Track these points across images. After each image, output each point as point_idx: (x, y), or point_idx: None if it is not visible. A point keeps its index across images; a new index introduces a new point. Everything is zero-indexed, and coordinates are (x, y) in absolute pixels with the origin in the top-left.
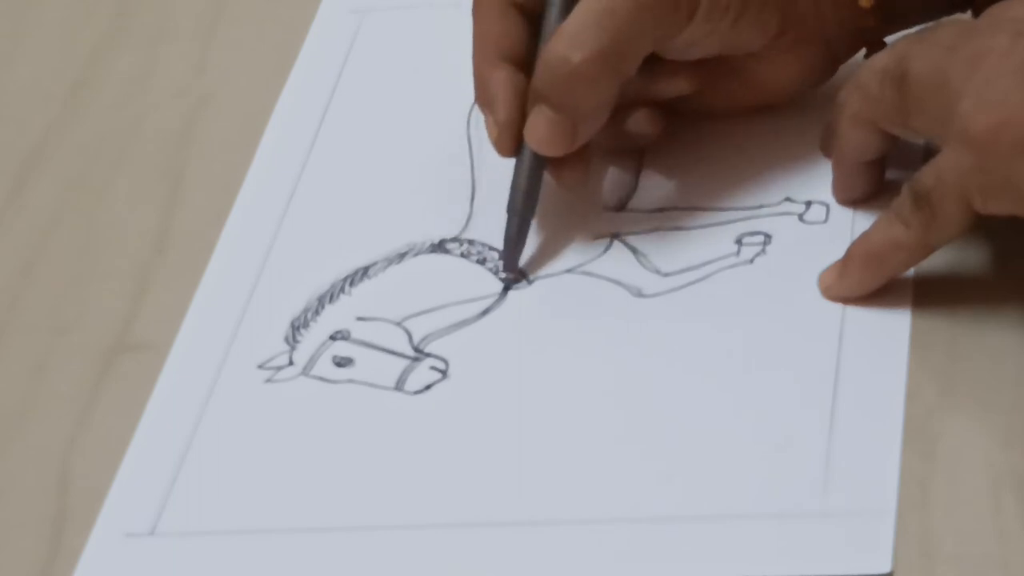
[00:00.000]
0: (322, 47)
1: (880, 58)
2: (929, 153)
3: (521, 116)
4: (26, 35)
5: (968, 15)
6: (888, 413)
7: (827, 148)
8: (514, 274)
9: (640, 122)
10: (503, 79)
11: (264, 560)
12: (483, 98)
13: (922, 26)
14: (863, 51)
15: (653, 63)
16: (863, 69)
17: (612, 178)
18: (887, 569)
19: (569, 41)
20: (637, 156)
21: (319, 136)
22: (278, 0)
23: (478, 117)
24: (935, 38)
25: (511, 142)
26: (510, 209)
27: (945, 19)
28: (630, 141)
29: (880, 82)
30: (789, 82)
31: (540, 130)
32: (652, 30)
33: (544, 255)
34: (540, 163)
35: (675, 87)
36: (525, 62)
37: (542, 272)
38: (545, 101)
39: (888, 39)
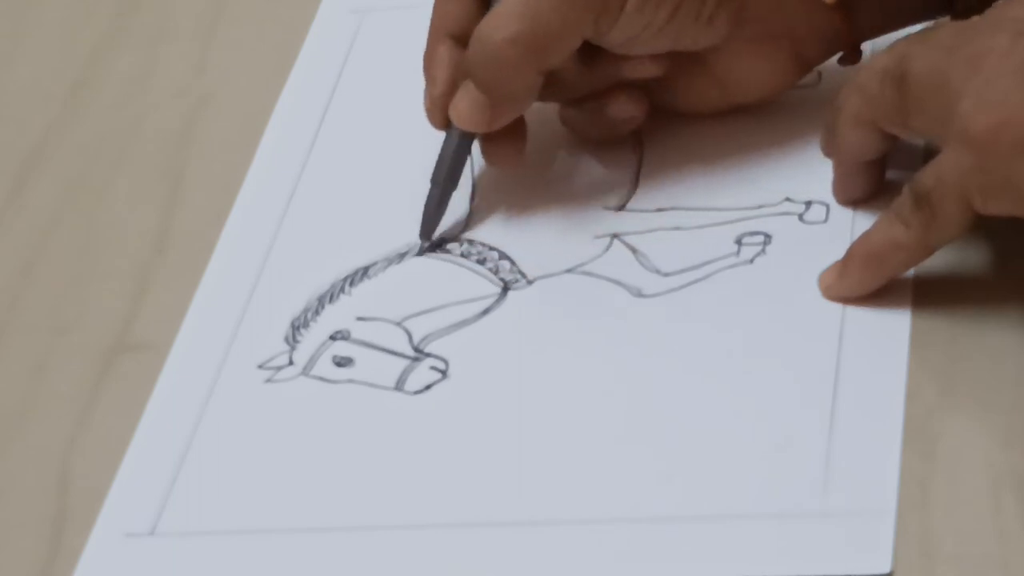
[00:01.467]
0: (322, 47)
1: (880, 58)
2: (929, 153)
3: (453, 92)
4: (26, 35)
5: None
6: (888, 413)
7: (827, 148)
8: (428, 242)
9: (621, 105)
10: (443, 54)
11: (264, 560)
12: (426, 72)
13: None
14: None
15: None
16: (863, 70)
17: (612, 178)
18: (887, 569)
19: (496, 21)
20: (637, 156)
21: (319, 136)
22: (278, 0)
23: None
24: (935, 38)
25: (441, 115)
26: (433, 180)
27: (943, 20)
28: (617, 127)
29: (880, 82)
30: (757, 80)
31: (461, 105)
32: (577, 20)
33: (544, 255)
34: (467, 138)
35: (643, 69)
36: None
37: (542, 272)
38: (471, 77)
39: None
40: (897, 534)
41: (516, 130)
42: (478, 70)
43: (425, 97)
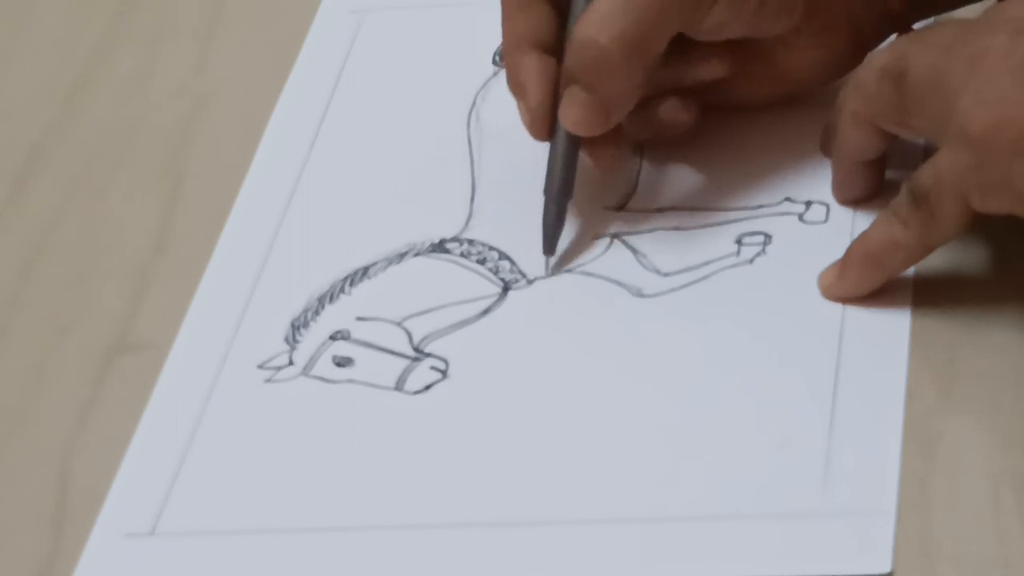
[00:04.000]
0: (322, 47)
1: (879, 57)
2: (929, 153)
3: (552, 100)
4: (26, 34)
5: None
6: (888, 413)
7: (827, 148)
8: (553, 255)
9: (674, 109)
10: (532, 64)
11: (264, 560)
12: (514, 85)
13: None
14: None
15: (685, 48)
16: (862, 69)
17: (612, 178)
18: (887, 569)
19: (597, 23)
20: (637, 156)
21: (319, 136)
22: (278, 0)
23: (478, 117)
24: (934, 37)
25: (544, 125)
26: (547, 193)
27: (944, 18)
28: (665, 131)
29: (878, 81)
30: (818, 68)
31: (574, 112)
32: (677, 13)
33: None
34: (574, 145)
35: (710, 70)
36: (554, 47)
37: (542, 272)
38: (577, 82)
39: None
40: (897, 534)
41: (619, 128)
42: (586, 74)
43: (521, 111)
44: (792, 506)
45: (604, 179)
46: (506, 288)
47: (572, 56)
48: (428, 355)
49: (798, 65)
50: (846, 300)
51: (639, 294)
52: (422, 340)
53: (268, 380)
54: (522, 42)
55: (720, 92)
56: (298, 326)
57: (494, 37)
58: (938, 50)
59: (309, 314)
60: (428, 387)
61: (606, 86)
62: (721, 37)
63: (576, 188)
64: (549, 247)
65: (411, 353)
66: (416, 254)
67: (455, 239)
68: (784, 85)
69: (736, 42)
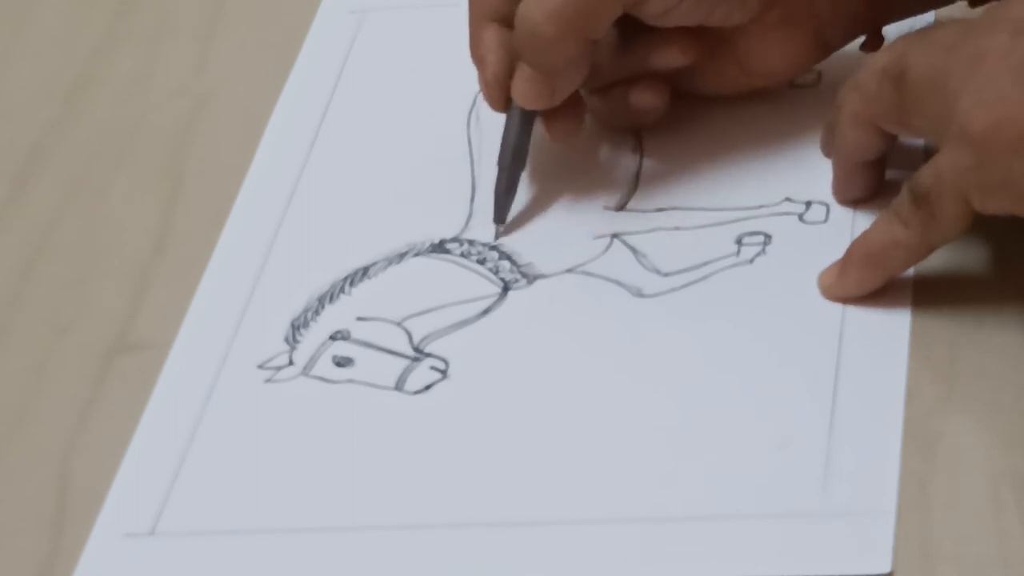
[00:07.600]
0: (322, 47)
1: (879, 57)
2: (929, 153)
3: (508, 72)
4: (26, 34)
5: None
6: (888, 413)
7: (827, 148)
8: (503, 225)
9: (643, 95)
10: (490, 37)
11: (264, 560)
12: (475, 57)
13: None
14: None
15: (647, 35)
16: (862, 69)
17: (612, 178)
18: (887, 569)
19: (535, 0)
20: (637, 156)
21: (319, 136)
22: (278, 0)
23: (478, 117)
24: (934, 37)
25: (499, 97)
26: (500, 163)
27: (944, 18)
28: (636, 116)
29: (879, 81)
30: (779, 64)
31: (519, 86)
32: None
33: (544, 255)
34: (528, 118)
35: (670, 58)
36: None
37: (542, 272)
38: (523, 58)
39: (888, 31)
40: (897, 534)
41: (574, 105)
42: (524, 49)
43: (479, 81)
44: (792, 506)
45: (604, 179)
46: (506, 288)
47: (515, 31)
48: (428, 355)
49: (760, 56)
50: (846, 300)
51: (639, 294)
52: (422, 340)
53: (268, 380)
54: (484, 15)
55: (686, 80)
56: (298, 326)
57: None
58: (938, 50)
59: (309, 314)
60: (428, 387)
61: (542, 62)
62: (672, 22)
63: (576, 188)
64: (499, 215)
65: (411, 353)
66: (416, 254)
67: (455, 239)
68: (748, 76)
69: (698, 31)
